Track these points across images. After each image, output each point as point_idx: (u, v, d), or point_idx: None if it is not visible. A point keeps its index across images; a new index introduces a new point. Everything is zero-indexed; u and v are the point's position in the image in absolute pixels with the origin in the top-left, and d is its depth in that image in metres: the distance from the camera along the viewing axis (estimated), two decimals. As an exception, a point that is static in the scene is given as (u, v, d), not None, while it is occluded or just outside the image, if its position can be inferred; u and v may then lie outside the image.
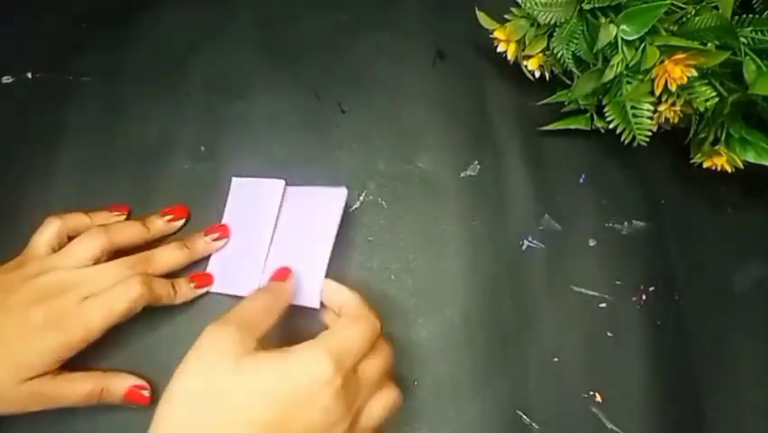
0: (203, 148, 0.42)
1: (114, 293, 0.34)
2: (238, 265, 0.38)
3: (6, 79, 0.43)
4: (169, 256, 0.37)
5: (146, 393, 0.36)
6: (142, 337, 0.38)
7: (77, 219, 0.38)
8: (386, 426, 0.32)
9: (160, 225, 0.39)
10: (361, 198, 0.42)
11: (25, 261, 0.36)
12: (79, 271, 0.35)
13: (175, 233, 0.40)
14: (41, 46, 0.45)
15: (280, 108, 0.43)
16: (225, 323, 0.30)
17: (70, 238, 0.37)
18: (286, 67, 0.45)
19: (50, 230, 0.37)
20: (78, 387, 0.34)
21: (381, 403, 0.31)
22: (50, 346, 0.33)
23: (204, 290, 0.38)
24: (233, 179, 0.41)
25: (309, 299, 0.36)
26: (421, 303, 0.39)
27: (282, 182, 0.39)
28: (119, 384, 0.35)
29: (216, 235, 0.39)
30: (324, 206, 0.37)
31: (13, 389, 0.32)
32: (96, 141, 0.42)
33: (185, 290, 0.38)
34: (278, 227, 0.39)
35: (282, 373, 0.28)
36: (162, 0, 0.46)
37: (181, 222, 0.40)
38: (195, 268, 0.39)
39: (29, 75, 0.44)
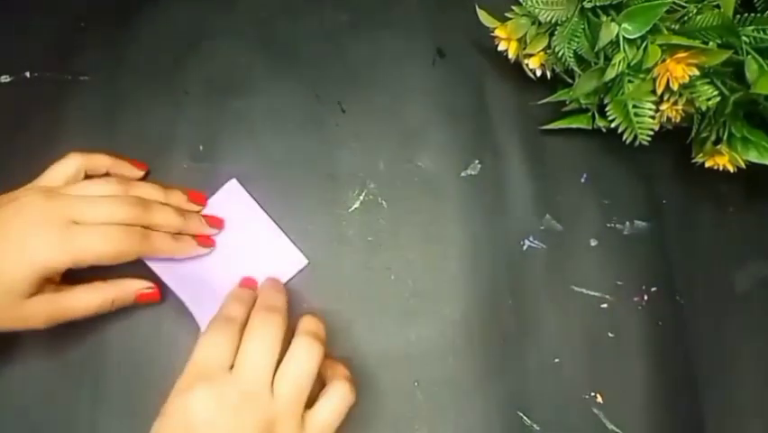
0: (202, 147, 0.42)
1: (110, 232, 0.34)
2: (274, 266, 0.39)
3: (6, 79, 0.43)
4: (164, 216, 0.36)
5: (153, 290, 0.37)
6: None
7: (98, 160, 0.38)
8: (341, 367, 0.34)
9: (177, 199, 0.38)
10: (361, 197, 0.41)
11: (34, 185, 0.36)
12: (73, 197, 0.34)
13: None
14: (41, 46, 0.44)
15: (280, 107, 0.43)
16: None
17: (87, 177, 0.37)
18: (286, 66, 0.44)
19: (70, 163, 0.37)
20: (88, 299, 0.34)
21: (326, 406, 0.31)
22: (33, 259, 0.32)
23: (204, 252, 0.38)
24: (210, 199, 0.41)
25: (293, 265, 0.39)
26: (421, 303, 0.39)
27: (234, 180, 0.41)
28: (131, 286, 0.36)
29: (212, 224, 0.39)
30: (230, 201, 0.40)
31: (15, 306, 0.32)
32: (94, 140, 0.42)
33: (187, 245, 0.37)
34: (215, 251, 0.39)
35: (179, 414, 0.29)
36: (162, 0, 0.46)
37: (199, 208, 0.40)
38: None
39: (28, 74, 0.43)
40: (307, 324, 0.34)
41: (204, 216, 0.39)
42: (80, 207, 0.34)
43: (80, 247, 0.33)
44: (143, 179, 0.40)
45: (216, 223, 0.39)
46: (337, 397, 0.32)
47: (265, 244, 0.39)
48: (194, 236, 0.38)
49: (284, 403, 0.30)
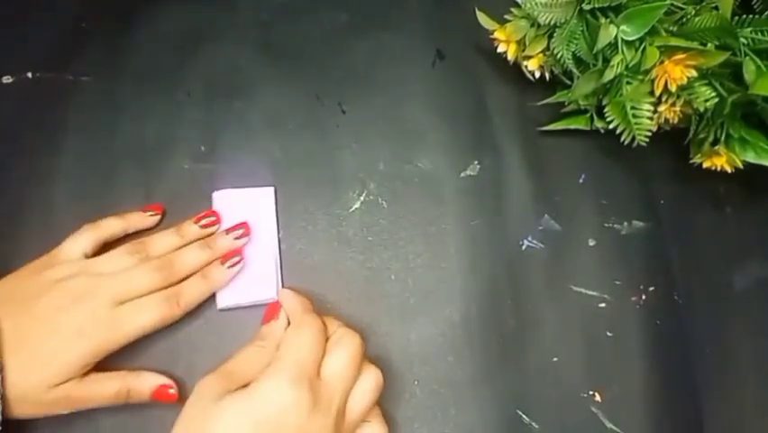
0: (203, 148, 0.42)
1: (151, 307, 0.34)
2: (250, 275, 0.38)
3: (6, 79, 0.43)
4: (192, 258, 0.37)
5: (173, 391, 0.35)
6: (164, 337, 0.37)
7: (111, 227, 0.38)
8: (377, 407, 0.34)
9: (193, 231, 0.38)
10: (361, 198, 0.42)
11: (54, 263, 0.35)
12: (110, 277, 0.35)
13: None
14: (41, 46, 0.44)
15: (280, 108, 0.43)
16: (210, 374, 0.32)
17: (105, 245, 0.37)
18: (286, 67, 0.45)
19: (85, 237, 0.37)
20: (105, 388, 0.34)
21: (361, 391, 0.32)
22: (79, 353, 0.32)
23: (238, 268, 0.38)
24: (215, 193, 0.40)
25: (266, 294, 0.38)
26: (421, 303, 0.39)
27: (272, 189, 0.41)
28: (145, 383, 0.35)
29: (240, 233, 0.38)
30: (255, 205, 0.40)
31: (42, 394, 0.32)
32: (96, 141, 0.42)
33: (217, 275, 0.37)
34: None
35: (249, 409, 0.29)
36: (162, 0, 0.46)
37: (216, 228, 0.39)
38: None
39: (29, 75, 0.44)
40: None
41: (227, 230, 0.39)
42: (118, 286, 0.34)
43: (128, 327, 0.34)
44: (162, 215, 0.40)
45: (243, 228, 0.39)
46: (372, 381, 0.33)
47: (255, 257, 0.39)
48: (222, 261, 0.38)
49: (349, 424, 0.32)
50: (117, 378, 0.35)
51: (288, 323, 0.36)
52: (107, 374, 0.34)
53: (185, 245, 0.38)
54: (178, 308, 0.35)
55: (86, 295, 0.34)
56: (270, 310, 0.36)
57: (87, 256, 0.36)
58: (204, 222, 0.39)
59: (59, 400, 0.33)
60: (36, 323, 0.33)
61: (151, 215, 0.39)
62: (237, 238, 0.38)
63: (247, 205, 0.40)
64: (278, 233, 0.40)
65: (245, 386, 0.31)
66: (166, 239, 0.38)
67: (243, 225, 0.39)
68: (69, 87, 0.43)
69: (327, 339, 0.33)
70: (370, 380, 0.33)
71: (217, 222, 0.39)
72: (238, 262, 0.38)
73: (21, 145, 0.42)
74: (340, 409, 0.31)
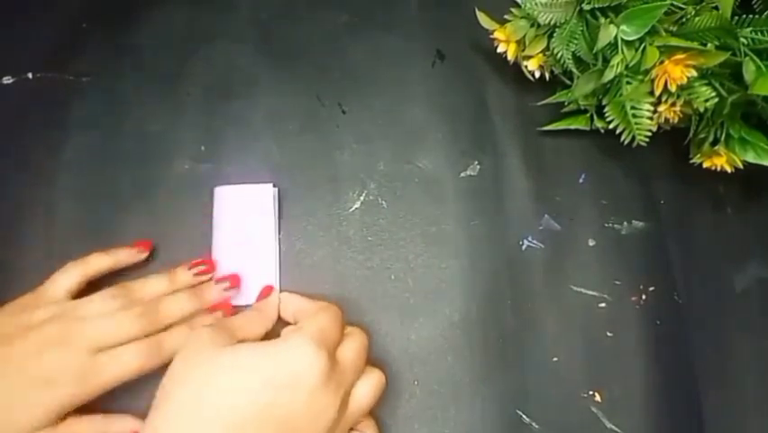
0: (203, 148, 0.42)
1: (130, 356, 0.33)
2: (248, 275, 0.38)
3: (7, 80, 0.43)
4: (178, 307, 0.36)
5: None
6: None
7: (97, 264, 0.36)
8: (373, 410, 0.34)
9: (185, 278, 0.37)
10: (361, 198, 0.42)
11: (37, 303, 0.34)
12: (89, 322, 0.33)
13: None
14: (41, 46, 0.44)
15: (280, 108, 0.43)
16: (201, 327, 0.31)
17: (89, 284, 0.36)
18: (286, 67, 0.45)
19: (70, 273, 0.35)
20: (83, 431, 0.33)
21: (368, 386, 0.32)
22: (49, 404, 0.31)
23: (206, 278, 0.37)
24: (216, 189, 0.40)
25: (245, 298, 0.38)
26: (421, 303, 0.39)
27: (270, 186, 0.40)
28: (122, 427, 0.34)
29: (227, 285, 0.37)
30: (254, 203, 0.40)
31: None
32: (96, 141, 0.42)
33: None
34: (215, 229, 0.39)
35: (261, 365, 0.29)
36: (162, 0, 0.46)
37: (208, 276, 0.38)
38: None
39: (29, 75, 0.44)
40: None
41: (218, 280, 0.38)
42: (98, 332, 0.33)
43: (104, 377, 0.32)
44: (150, 253, 0.39)
45: (233, 282, 0.37)
46: (377, 380, 0.33)
47: (253, 256, 0.39)
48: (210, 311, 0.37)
49: (351, 414, 0.31)
50: (93, 422, 0.33)
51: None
52: (82, 418, 0.33)
53: (173, 292, 0.36)
54: (158, 358, 0.33)
55: (61, 341, 0.32)
56: (265, 291, 0.37)
57: (72, 294, 0.35)
58: (196, 270, 0.37)
59: None
60: (7, 370, 0.31)
61: (140, 252, 0.38)
62: (226, 290, 0.37)
63: (247, 201, 0.40)
64: (279, 231, 0.40)
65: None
66: (155, 284, 0.36)
67: (233, 277, 0.38)
68: (69, 87, 0.43)
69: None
70: (374, 379, 0.33)
71: (210, 271, 0.38)
72: (224, 313, 0.37)
73: (21, 145, 0.42)
74: (345, 396, 0.31)
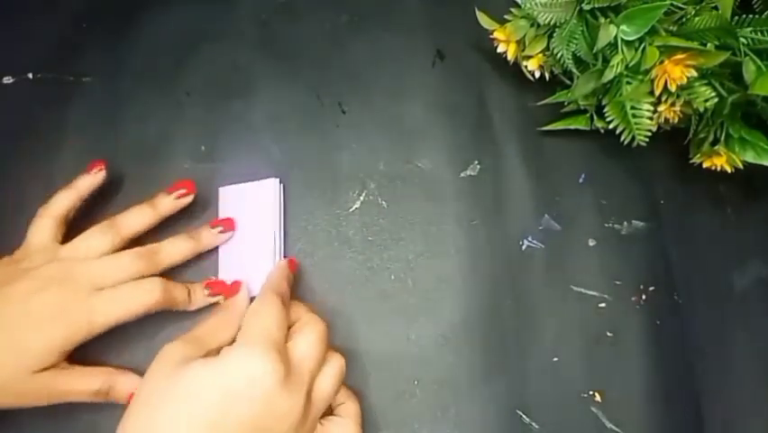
0: (203, 148, 0.42)
1: (131, 292, 0.34)
2: (248, 268, 0.38)
3: (7, 80, 0.43)
4: (176, 248, 0.37)
5: None
6: (149, 336, 0.38)
7: (64, 199, 0.37)
8: (345, 388, 0.34)
9: (167, 203, 0.38)
10: (361, 198, 0.42)
11: (27, 253, 0.35)
12: (89, 262, 0.34)
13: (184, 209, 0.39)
14: (41, 46, 0.45)
15: (280, 108, 0.43)
16: (176, 340, 0.31)
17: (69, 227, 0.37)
18: (286, 67, 0.45)
19: (45, 221, 0.36)
20: (87, 384, 0.33)
21: (329, 376, 0.32)
22: (54, 338, 0.32)
23: (217, 299, 0.38)
24: (221, 189, 0.40)
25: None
26: (421, 303, 0.39)
27: (276, 180, 0.40)
28: (126, 384, 0.34)
29: (221, 229, 0.38)
30: (258, 199, 0.40)
31: (22, 381, 0.31)
32: (95, 141, 0.42)
33: (200, 297, 0.37)
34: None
35: (217, 377, 0.29)
36: (162, 0, 0.46)
37: (190, 198, 0.38)
38: (205, 275, 0.39)
39: (29, 75, 0.44)
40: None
41: (213, 223, 0.39)
42: (98, 271, 0.34)
43: (105, 314, 0.33)
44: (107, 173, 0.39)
45: (227, 225, 0.39)
46: (337, 367, 0.33)
47: (254, 250, 0.39)
48: (205, 286, 0.37)
49: (317, 403, 0.31)
50: (101, 374, 0.34)
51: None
52: (91, 369, 0.34)
53: (158, 220, 0.37)
54: (161, 298, 0.34)
55: (62, 280, 0.33)
56: (232, 287, 0.37)
57: (58, 239, 0.36)
58: (177, 194, 0.38)
59: (39, 390, 0.32)
60: (9, 309, 0.32)
61: (96, 172, 0.38)
62: (221, 233, 0.38)
63: (251, 198, 0.40)
64: (282, 225, 0.40)
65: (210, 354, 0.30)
66: (139, 214, 0.37)
67: (227, 221, 0.39)
68: (69, 87, 0.43)
69: (293, 324, 0.34)
70: (335, 365, 0.33)
71: (191, 193, 0.38)
72: (217, 294, 0.37)
73: (21, 145, 0.42)
74: (308, 392, 0.31)
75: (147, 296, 0.34)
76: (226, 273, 0.39)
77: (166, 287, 0.35)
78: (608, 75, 0.36)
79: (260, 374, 0.29)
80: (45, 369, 0.32)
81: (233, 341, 0.32)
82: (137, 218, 0.37)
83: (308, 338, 0.32)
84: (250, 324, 0.31)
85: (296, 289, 0.39)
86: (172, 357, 0.30)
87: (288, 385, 0.29)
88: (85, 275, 0.33)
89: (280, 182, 0.40)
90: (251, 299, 0.37)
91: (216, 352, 0.31)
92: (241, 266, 0.38)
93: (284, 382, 0.29)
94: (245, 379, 0.28)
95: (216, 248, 0.39)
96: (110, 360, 0.37)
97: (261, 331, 0.31)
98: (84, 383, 0.33)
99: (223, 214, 0.40)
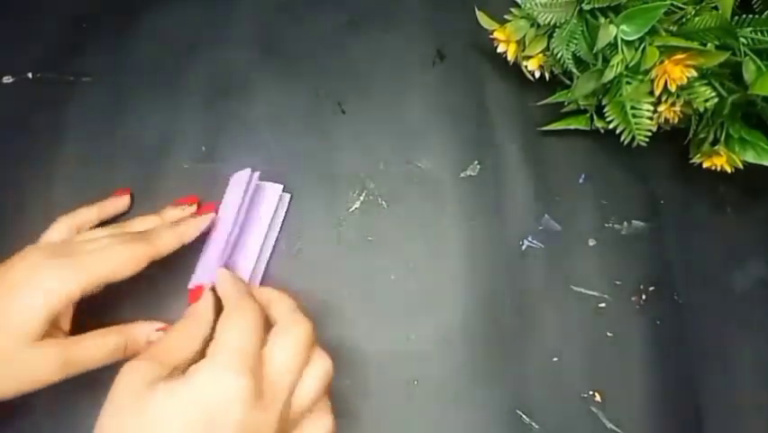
0: (203, 148, 0.42)
1: (121, 243, 0.33)
2: (234, 268, 0.38)
3: (7, 79, 0.43)
4: (168, 233, 0.36)
5: None
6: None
7: (85, 215, 0.38)
8: (325, 398, 0.31)
9: (175, 214, 0.39)
10: (361, 197, 0.42)
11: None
12: (73, 240, 0.35)
13: None
14: (41, 46, 0.45)
15: (280, 108, 0.43)
16: (137, 359, 0.29)
17: None
18: (286, 67, 0.45)
19: (61, 225, 0.37)
20: (103, 344, 0.32)
21: (309, 381, 0.30)
22: (35, 300, 0.31)
23: (209, 218, 0.37)
24: (235, 175, 0.40)
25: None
26: (421, 303, 0.39)
27: (280, 187, 0.40)
28: (142, 332, 0.34)
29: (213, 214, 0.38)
30: (261, 200, 0.40)
31: (25, 354, 0.30)
32: (96, 141, 0.42)
33: (191, 228, 0.37)
34: (219, 215, 0.39)
35: (185, 404, 0.26)
36: (162, 0, 0.46)
37: (194, 209, 0.39)
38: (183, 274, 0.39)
39: (29, 75, 0.44)
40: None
41: (196, 213, 0.39)
42: (82, 243, 0.34)
43: (88, 270, 0.32)
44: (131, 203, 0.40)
45: (209, 208, 0.39)
46: (320, 370, 0.31)
47: (240, 247, 0.38)
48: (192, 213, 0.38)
49: (295, 413, 0.29)
50: (112, 332, 0.33)
51: (221, 305, 0.33)
52: (101, 330, 0.33)
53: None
54: (143, 248, 0.33)
55: (44, 250, 0.33)
56: (195, 293, 0.35)
57: None
58: (184, 207, 0.39)
59: (49, 362, 0.31)
60: (4, 285, 0.31)
61: (120, 198, 0.40)
62: (203, 213, 0.38)
63: (255, 195, 0.39)
64: (277, 232, 0.40)
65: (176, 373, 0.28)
66: (146, 221, 0.38)
67: (210, 206, 0.39)
68: (69, 87, 0.43)
69: (276, 322, 0.31)
70: (319, 368, 0.30)
71: (195, 204, 0.40)
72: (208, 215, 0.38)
73: (21, 145, 0.42)
74: (285, 403, 0.28)
75: (128, 248, 0.33)
76: (205, 264, 0.38)
77: (156, 242, 0.34)
78: (608, 75, 0.36)
79: (231, 399, 0.27)
80: (47, 337, 0.31)
81: (200, 353, 0.30)
82: (144, 224, 0.38)
83: (286, 345, 0.30)
84: (219, 342, 0.29)
85: (295, 288, 0.39)
86: (134, 383, 0.27)
87: (262, 404, 0.27)
88: (69, 245, 0.34)
89: (289, 193, 0.41)
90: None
91: (183, 369, 0.29)
92: (227, 260, 0.38)
93: (256, 403, 0.27)
94: (215, 404, 0.26)
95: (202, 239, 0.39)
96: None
97: (233, 350, 0.28)
98: (99, 345, 0.32)
99: (225, 201, 0.40)
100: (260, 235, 0.39)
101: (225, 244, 0.37)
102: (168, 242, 0.35)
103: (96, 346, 0.32)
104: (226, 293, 0.33)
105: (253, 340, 0.29)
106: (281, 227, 0.41)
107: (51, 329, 0.32)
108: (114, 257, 0.33)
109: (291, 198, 0.41)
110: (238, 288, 0.34)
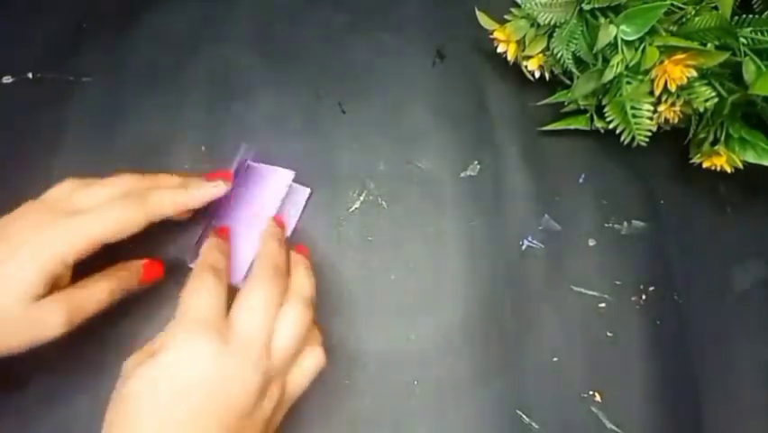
0: (203, 148, 0.42)
1: (112, 206, 0.32)
2: (237, 252, 0.38)
3: (6, 79, 0.43)
4: (169, 197, 0.35)
5: (158, 267, 0.36)
6: (147, 304, 0.37)
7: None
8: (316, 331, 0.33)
9: (197, 183, 0.36)
10: (361, 197, 0.42)
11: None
12: (78, 191, 0.34)
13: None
14: (41, 46, 0.44)
15: (280, 108, 0.43)
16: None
17: None
18: (286, 67, 0.45)
19: (66, 183, 0.35)
20: (98, 289, 0.33)
21: (302, 370, 0.32)
22: (34, 258, 0.31)
23: (219, 184, 0.35)
24: (249, 162, 0.40)
25: (233, 277, 0.36)
26: (421, 303, 0.39)
27: (292, 173, 0.39)
28: (133, 270, 0.35)
29: (214, 183, 0.36)
30: (269, 185, 0.39)
31: (27, 309, 0.30)
32: (95, 141, 0.42)
33: (193, 198, 0.35)
34: (227, 199, 0.38)
35: (156, 380, 0.28)
36: (162, 0, 0.46)
37: (223, 189, 0.36)
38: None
39: (29, 75, 0.44)
40: (300, 286, 0.33)
41: (208, 177, 0.36)
42: (78, 197, 0.33)
43: (84, 231, 0.31)
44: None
45: (224, 175, 0.36)
46: (312, 361, 0.32)
47: (241, 237, 0.38)
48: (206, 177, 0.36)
49: (278, 363, 0.30)
50: (105, 277, 0.33)
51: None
52: (98, 274, 0.33)
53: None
54: (141, 208, 0.33)
55: (45, 209, 0.32)
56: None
57: None
58: (212, 178, 0.37)
59: (51, 313, 0.31)
60: (2, 244, 0.31)
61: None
62: (215, 188, 0.36)
63: (265, 181, 0.39)
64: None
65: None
66: (170, 180, 0.37)
67: (227, 173, 0.36)
68: (69, 87, 0.43)
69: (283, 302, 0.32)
70: (312, 358, 0.32)
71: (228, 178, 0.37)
72: (220, 183, 0.36)
73: (21, 145, 0.42)
74: (261, 347, 0.30)
75: (126, 208, 0.32)
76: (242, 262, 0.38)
77: (144, 196, 0.33)
78: (608, 75, 0.36)
79: (193, 358, 0.28)
80: (49, 293, 0.31)
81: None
82: (164, 181, 0.36)
83: (288, 330, 0.31)
84: (181, 307, 0.31)
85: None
86: (123, 374, 0.29)
87: (230, 348, 0.29)
88: (64, 200, 0.33)
89: (306, 187, 0.41)
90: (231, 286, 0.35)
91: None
92: (233, 243, 0.37)
93: (223, 348, 0.28)
94: (178, 368, 0.28)
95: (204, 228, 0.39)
96: (109, 360, 0.36)
97: (187, 312, 0.30)
98: (99, 285, 0.33)
99: (237, 186, 0.39)
100: (261, 226, 0.38)
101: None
102: (166, 203, 0.34)
103: (96, 288, 0.33)
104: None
105: (215, 305, 0.30)
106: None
107: (51, 288, 0.32)
108: (111, 219, 0.32)
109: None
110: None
